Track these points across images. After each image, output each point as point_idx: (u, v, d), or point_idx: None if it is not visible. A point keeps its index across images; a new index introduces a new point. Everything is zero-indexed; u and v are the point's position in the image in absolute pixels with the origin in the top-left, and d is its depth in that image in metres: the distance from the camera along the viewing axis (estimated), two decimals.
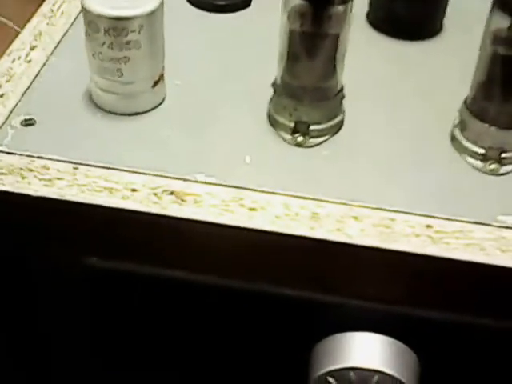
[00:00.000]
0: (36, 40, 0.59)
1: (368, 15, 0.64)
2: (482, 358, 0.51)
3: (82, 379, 0.58)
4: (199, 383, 0.56)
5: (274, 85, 0.52)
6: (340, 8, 0.48)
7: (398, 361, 0.50)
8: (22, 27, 0.60)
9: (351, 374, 0.49)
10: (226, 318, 0.52)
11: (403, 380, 0.49)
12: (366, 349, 0.50)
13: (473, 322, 0.49)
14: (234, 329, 0.52)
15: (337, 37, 0.49)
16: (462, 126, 0.52)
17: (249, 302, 0.50)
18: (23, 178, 0.48)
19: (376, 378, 0.49)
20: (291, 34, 0.49)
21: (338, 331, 0.50)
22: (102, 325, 0.54)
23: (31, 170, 0.49)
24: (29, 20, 0.60)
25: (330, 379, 0.49)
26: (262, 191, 0.49)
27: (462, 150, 0.52)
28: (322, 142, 0.52)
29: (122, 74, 0.51)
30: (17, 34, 0.59)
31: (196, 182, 0.49)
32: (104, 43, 0.50)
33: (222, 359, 0.54)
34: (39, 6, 0.62)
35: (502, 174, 0.51)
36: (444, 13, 0.63)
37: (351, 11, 0.49)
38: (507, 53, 0.49)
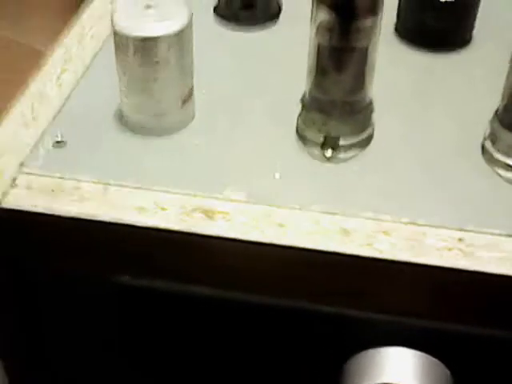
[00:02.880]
0: (67, 63, 0.59)
1: (396, 27, 0.64)
2: None
3: None
4: None
5: (302, 99, 0.52)
6: (368, 21, 0.48)
7: (431, 376, 0.49)
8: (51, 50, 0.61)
9: None
10: (258, 335, 0.52)
11: None
12: (398, 364, 0.49)
13: (506, 337, 0.48)
14: (266, 346, 0.52)
15: (365, 50, 0.49)
16: (493, 137, 0.51)
17: (280, 318, 0.50)
18: (54, 198, 0.49)
19: None
20: (320, 48, 0.49)
21: (371, 347, 0.50)
22: (132, 342, 0.54)
23: (62, 191, 0.49)
24: (58, 43, 0.61)
25: None
26: (292, 207, 0.49)
27: (494, 162, 0.51)
28: (351, 157, 0.52)
29: (151, 93, 0.51)
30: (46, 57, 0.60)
31: (225, 199, 0.49)
32: (133, 63, 0.50)
33: (256, 375, 0.54)
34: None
35: None
36: (473, 24, 0.62)
37: (380, 24, 0.49)
38: None
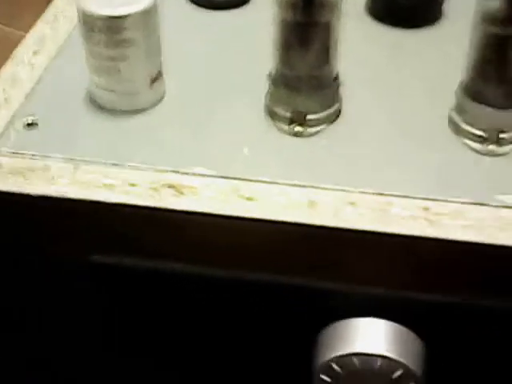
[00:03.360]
0: (39, 45, 0.60)
1: (367, 5, 0.64)
2: (486, 339, 0.50)
3: (88, 375, 0.59)
4: (207, 372, 0.57)
5: (269, 76, 0.53)
6: None
7: (402, 345, 0.50)
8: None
9: (355, 359, 0.49)
10: (229, 309, 0.52)
11: (407, 364, 0.49)
12: (369, 334, 0.50)
13: (476, 304, 0.49)
14: (237, 320, 0.53)
15: (328, 25, 0.50)
16: (459, 108, 0.52)
17: (249, 291, 0.51)
18: (25, 178, 0.49)
19: (379, 362, 0.49)
20: (283, 24, 0.50)
21: (342, 318, 0.50)
22: (108, 321, 0.55)
23: (33, 170, 0.50)
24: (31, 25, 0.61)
25: (335, 366, 0.50)
26: (260, 181, 0.49)
27: (460, 132, 0.52)
28: (319, 131, 0.53)
29: (120, 72, 0.52)
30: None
31: (194, 174, 0.50)
32: (100, 42, 0.51)
33: (230, 349, 0.55)
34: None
35: (500, 155, 0.51)
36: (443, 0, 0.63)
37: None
38: (499, 32, 0.48)
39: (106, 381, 0.60)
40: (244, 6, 0.64)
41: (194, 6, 0.64)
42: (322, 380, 0.50)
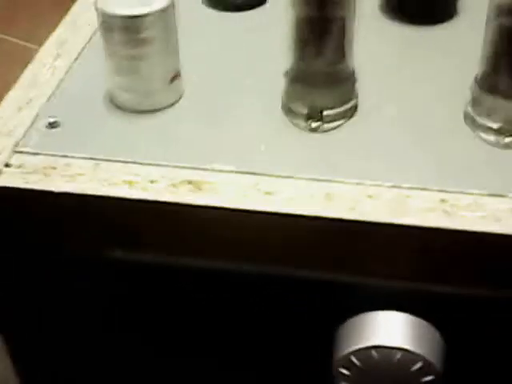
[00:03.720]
0: (60, 48, 0.61)
1: (381, 2, 0.64)
2: (506, 332, 0.50)
3: (100, 367, 0.59)
4: (227, 366, 0.57)
5: (286, 73, 0.53)
6: None
7: (421, 338, 0.50)
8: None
9: (374, 353, 0.49)
10: (248, 303, 0.53)
11: (427, 357, 0.49)
12: (388, 327, 0.50)
13: (494, 296, 0.49)
14: (256, 315, 0.53)
15: (343, 20, 0.50)
16: (475, 102, 0.52)
17: (269, 286, 0.51)
18: (46, 176, 0.50)
19: (398, 355, 0.49)
20: (298, 20, 0.50)
21: (361, 312, 0.51)
22: (126, 316, 0.56)
23: (54, 168, 0.51)
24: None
25: (353, 359, 0.50)
26: (278, 176, 0.50)
27: (476, 126, 0.52)
28: (336, 127, 0.53)
29: (139, 72, 0.53)
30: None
31: (213, 171, 0.50)
32: (119, 42, 0.52)
33: (247, 345, 0.55)
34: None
35: None
36: None
37: None
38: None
39: (119, 373, 0.60)
40: (260, 8, 0.65)
41: (209, 9, 0.65)
42: (341, 373, 0.51)
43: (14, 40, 1.70)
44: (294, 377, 0.56)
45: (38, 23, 1.78)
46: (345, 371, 0.50)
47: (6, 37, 1.72)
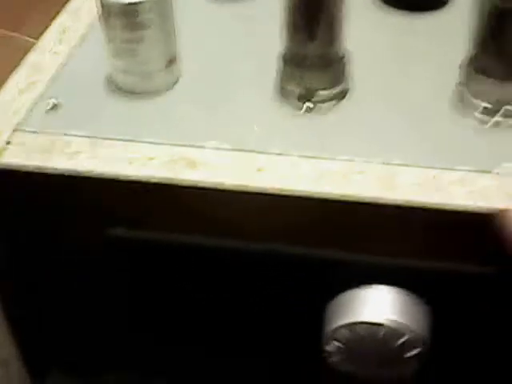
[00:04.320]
0: (62, 34, 0.63)
1: None
2: (492, 305, 0.51)
3: (111, 351, 0.61)
4: (220, 341, 0.59)
5: (280, 56, 0.55)
6: None
7: (408, 311, 0.51)
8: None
9: (359, 328, 0.50)
10: (241, 279, 0.54)
11: (413, 329, 0.50)
12: (373, 302, 0.51)
13: (481, 271, 0.50)
14: (250, 290, 0.54)
15: (333, 4, 0.52)
16: (465, 82, 0.54)
17: (261, 263, 0.53)
18: (48, 153, 0.52)
19: (385, 329, 0.50)
20: (290, 5, 0.52)
21: (352, 288, 0.52)
22: (130, 295, 0.57)
23: (55, 148, 0.52)
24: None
25: (340, 335, 0.51)
26: (271, 153, 0.51)
27: (466, 105, 0.54)
28: (328, 108, 0.55)
29: (137, 55, 0.54)
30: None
31: (207, 148, 0.52)
32: (117, 26, 0.53)
33: (241, 319, 0.56)
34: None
35: (507, 127, 0.52)
36: None
37: None
38: (499, 5, 0.50)
39: (130, 356, 0.62)
40: None
41: None
42: (329, 350, 0.52)
43: (25, 38, 1.72)
44: (285, 354, 0.57)
45: (50, 22, 1.80)
46: (332, 347, 0.51)
47: (18, 34, 1.74)
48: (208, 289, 0.55)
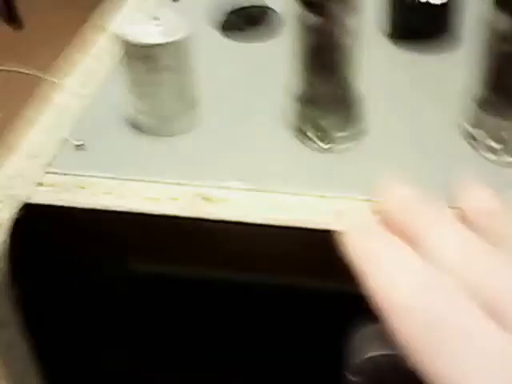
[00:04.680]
0: (85, 77, 0.65)
1: (384, 29, 0.68)
2: None
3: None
4: (238, 375, 0.60)
5: (296, 97, 0.57)
6: (346, 20, 0.52)
7: None
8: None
9: (385, 360, 0.52)
10: (263, 312, 0.56)
11: None
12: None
13: None
14: (271, 323, 0.56)
15: (346, 48, 0.54)
16: (474, 122, 0.56)
17: (283, 297, 0.54)
18: (75, 194, 0.54)
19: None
20: (305, 47, 0.54)
21: (374, 322, 0.53)
22: (144, 327, 0.59)
23: (82, 187, 0.54)
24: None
25: (365, 366, 0.52)
26: (289, 193, 0.53)
27: (477, 145, 0.55)
28: (344, 149, 0.57)
29: (157, 98, 0.57)
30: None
31: (228, 188, 0.54)
32: (139, 69, 0.55)
33: (262, 352, 0.58)
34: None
35: None
36: (458, 25, 0.66)
37: (359, 23, 0.54)
38: (508, 50, 0.52)
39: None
40: (273, 40, 0.69)
41: (226, 38, 0.69)
42: (353, 381, 0.53)
43: (33, 72, 1.76)
44: None
45: (56, 56, 1.84)
46: (355, 379, 0.53)
47: (25, 70, 1.78)
48: (231, 322, 0.57)
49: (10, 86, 1.80)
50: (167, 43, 0.54)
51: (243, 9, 0.70)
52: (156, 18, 0.55)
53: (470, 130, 0.56)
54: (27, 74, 1.86)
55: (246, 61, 0.67)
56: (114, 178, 0.55)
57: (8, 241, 0.52)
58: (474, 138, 0.56)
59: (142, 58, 0.55)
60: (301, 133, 0.57)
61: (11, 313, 0.54)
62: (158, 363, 0.62)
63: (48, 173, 0.56)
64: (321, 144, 0.56)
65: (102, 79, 0.65)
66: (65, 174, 0.56)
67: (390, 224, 0.36)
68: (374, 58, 0.58)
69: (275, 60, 0.67)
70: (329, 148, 0.56)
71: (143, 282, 0.56)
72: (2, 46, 1.99)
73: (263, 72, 0.66)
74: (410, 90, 0.62)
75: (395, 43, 0.67)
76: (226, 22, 0.70)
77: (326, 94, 0.55)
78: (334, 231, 0.51)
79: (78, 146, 0.58)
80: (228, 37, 0.69)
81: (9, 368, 0.57)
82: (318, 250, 0.52)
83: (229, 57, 0.67)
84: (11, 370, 0.57)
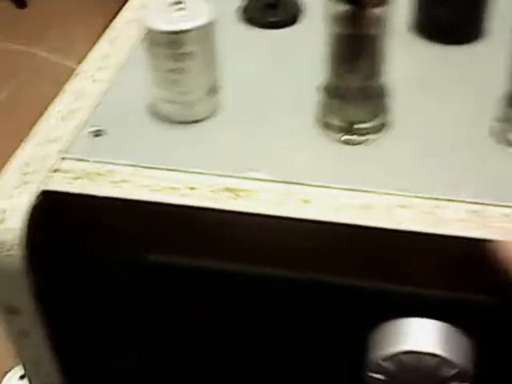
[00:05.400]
0: (102, 61, 0.64)
1: (410, 21, 0.67)
2: None
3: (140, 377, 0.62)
4: (261, 369, 0.59)
5: (321, 87, 0.56)
6: (378, 11, 0.51)
7: (453, 345, 0.51)
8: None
9: (406, 358, 0.51)
10: (284, 308, 0.54)
11: (458, 363, 0.50)
12: (421, 334, 0.51)
13: None
14: (292, 319, 0.55)
15: (376, 38, 0.52)
16: (502, 118, 0.54)
17: (307, 291, 0.53)
18: (93, 181, 0.53)
19: (430, 361, 0.50)
20: (334, 37, 0.53)
21: (394, 318, 0.52)
22: (165, 321, 0.58)
23: (99, 174, 0.53)
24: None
25: (386, 364, 0.51)
26: (314, 185, 0.52)
27: (504, 140, 0.54)
28: (368, 140, 0.55)
29: (179, 84, 0.55)
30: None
31: (250, 179, 0.52)
32: (162, 56, 0.54)
33: (282, 347, 0.57)
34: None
35: None
36: (486, 17, 0.65)
37: (389, 14, 0.52)
38: None
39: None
40: (295, 26, 0.68)
41: (246, 25, 0.68)
42: (374, 378, 0.52)
43: (45, 55, 1.74)
44: (325, 382, 0.58)
45: (69, 39, 1.83)
46: (378, 376, 0.52)
47: (37, 51, 1.76)
48: (252, 317, 0.56)
49: (16, 65, 1.78)
50: (191, 29, 0.53)
51: None
52: (179, 3, 0.54)
53: (498, 124, 0.55)
54: (33, 53, 1.84)
55: (267, 47, 0.65)
56: (132, 166, 0.54)
57: (25, 228, 0.51)
58: (502, 133, 0.54)
59: (165, 43, 0.53)
60: (326, 123, 0.56)
61: (27, 300, 0.53)
62: (172, 357, 0.61)
63: (65, 159, 0.55)
64: (346, 135, 0.55)
65: (120, 63, 0.64)
66: (82, 161, 0.54)
67: None
68: (400, 49, 0.56)
69: (296, 47, 0.65)
70: (354, 140, 0.55)
71: (159, 274, 0.55)
72: (8, 24, 1.97)
73: (285, 59, 0.64)
74: (436, 83, 0.61)
75: (422, 35, 0.65)
76: (246, 7, 0.69)
77: (354, 84, 0.54)
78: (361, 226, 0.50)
79: (95, 132, 0.57)
80: (248, 23, 0.68)
81: (23, 355, 0.56)
82: (342, 245, 0.51)
83: (249, 43, 0.66)
84: (26, 357, 0.56)
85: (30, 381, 0.60)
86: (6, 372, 1.16)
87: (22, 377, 1.16)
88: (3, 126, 1.52)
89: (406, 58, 0.62)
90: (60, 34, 1.83)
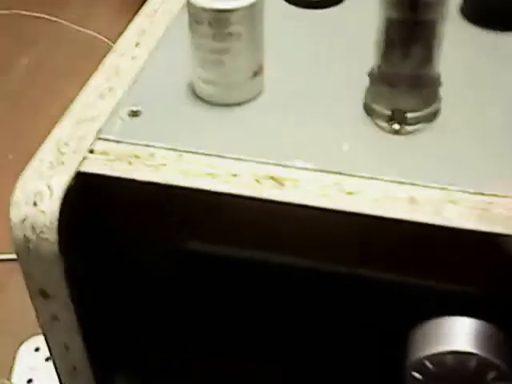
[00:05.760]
0: (139, 37, 0.61)
1: (462, 7, 0.64)
2: None
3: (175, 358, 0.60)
4: (294, 366, 0.58)
5: (370, 74, 0.53)
6: None
7: (496, 345, 0.49)
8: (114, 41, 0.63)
9: (448, 358, 0.49)
10: (323, 302, 0.53)
11: (501, 364, 0.49)
12: (462, 333, 0.50)
13: None
14: (330, 314, 0.53)
15: (433, 24, 0.50)
16: None
17: (347, 286, 0.51)
18: (130, 164, 0.51)
19: (472, 361, 0.49)
20: (387, 22, 0.50)
21: (435, 316, 0.51)
22: (201, 310, 0.56)
23: (138, 157, 0.51)
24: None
25: (427, 363, 0.50)
26: (360, 176, 0.50)
27: None
28: (419, 130, 0.53)
29: (224, 65, 0.53)
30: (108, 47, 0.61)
31: (295, 168, 0.50)
32: (206, 35, 0.52)
33: (320, 344, 0.55)
34: (129, 20, 0.65)
35: None
36: None
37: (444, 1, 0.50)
38: None
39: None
40: (339, 5, 0.65)
41: (292, 6, 0.65)
42: (414, 377, 0.51)
43: (66, 23, 1.72)
44: (365, 380, 0.56)
45: (90, 7, 1.81)
46: (417, 375, 0.50)
47: (59, 19, 1.74)
48: (297, 310, 0.54)
49: (37, 32, 1.76)
50: (239, 8, 0.50)
51: None
52: None
53: None
54: (54, 21, 1.82)
55: (311, 28, 0.63)
56: (170, 149, 0.52)
57: (58, 211, 0.49)
58: None
59: (210, 22, 0.51)
60: (374, 111, 0.53)
61: (58, 284, 0.52)
62: (203, 346, 0.59)
63: (100, 139, 0.53)
64: (393, 125, 0.52)
65: (157, 39, 0.61)
66: (119, 142, 0.52)
67: None
68: (452, 37, 0.54)
69: (341, 27, 0.63)
70: (401, 129, 0.53)
71: (194, 261, 0.53)
72: None
73: (329, 40, 0.62)
74: (487, 71, 0.58)
75: (473, 22, 0.63)
76: None
77: (406, 72, 0.51)
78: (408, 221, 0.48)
79: (133, 112, 0.54)
80: (292, 3, 0.65)
81: (52, 339, 0.55)
82: (386, 241, 0.49)
83: (294, 25, 0.63)
84: (55, 341, 0.55)
85: (54, 364, 0.59)
86: (20, 344, 1.16)
87: (36, 349, 1.16)
88: (24, 93, 1.50)
89: (457, 44, 0.59)
90: (81, 2, 1.81)
